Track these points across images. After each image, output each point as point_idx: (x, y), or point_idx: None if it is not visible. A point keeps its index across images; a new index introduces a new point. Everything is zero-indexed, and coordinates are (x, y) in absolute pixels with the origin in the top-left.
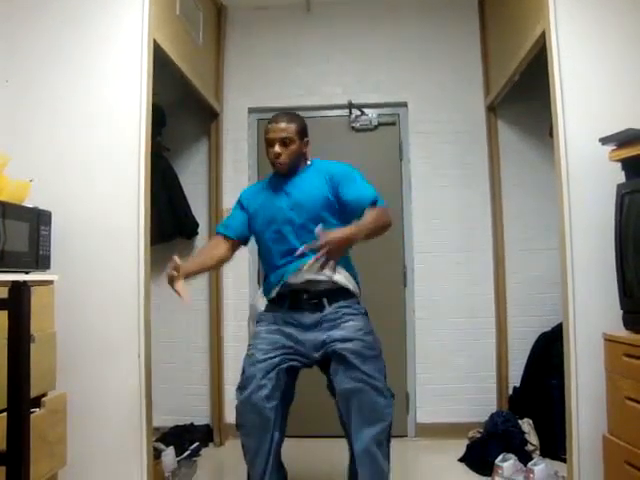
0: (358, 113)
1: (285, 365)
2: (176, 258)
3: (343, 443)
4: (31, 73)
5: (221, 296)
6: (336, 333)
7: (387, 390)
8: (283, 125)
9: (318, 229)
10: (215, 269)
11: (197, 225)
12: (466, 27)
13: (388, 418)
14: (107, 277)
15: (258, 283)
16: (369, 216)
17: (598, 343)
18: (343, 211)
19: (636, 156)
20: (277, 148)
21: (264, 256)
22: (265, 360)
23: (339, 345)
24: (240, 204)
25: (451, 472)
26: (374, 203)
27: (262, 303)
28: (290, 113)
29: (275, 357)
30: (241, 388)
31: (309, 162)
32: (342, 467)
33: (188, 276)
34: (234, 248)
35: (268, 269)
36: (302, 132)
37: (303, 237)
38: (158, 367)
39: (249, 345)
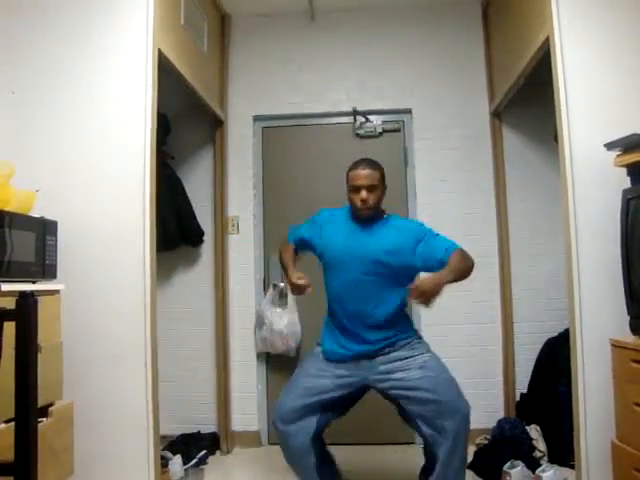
0: (363, 120)
1: None
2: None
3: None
4: (36, 83)
5: (227, 303)
6: None
7: None
8: (369, 172)
9: (411, 285)
10: None
11: (202, 233)
12: (470, 33)
13: None
14: (113, 286)
15: (264, 290)
16: (454, 259)
17: (605, 349)
18: (424, 265)
19: None
20: (364, 194)
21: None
22: None
23: None
24: (315, 225)
25: None
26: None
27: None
28: (371, 160)
29: None
30: None
31: (386, 215)
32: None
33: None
34: None
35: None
36: (384, 179)
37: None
38: (164, 375)
39: None
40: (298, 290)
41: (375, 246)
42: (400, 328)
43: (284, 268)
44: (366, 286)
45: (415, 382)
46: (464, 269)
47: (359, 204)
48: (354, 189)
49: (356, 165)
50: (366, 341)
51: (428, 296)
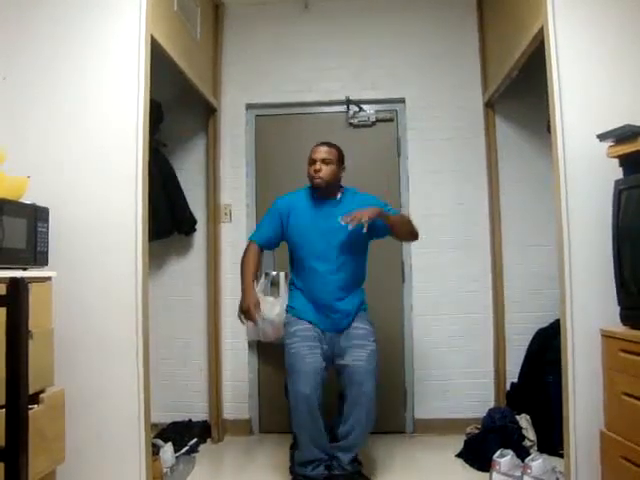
0: (356, 109)
1: None
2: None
3: None
4: (28, 69)
5: (219, 292)
6: None
7: None
8: (325, 148)
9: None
10: None
11: (195, 221)
12: (464, 23)
13: None
14: (105, 273)
15: (256, 279)
16: (402, 215)
17: (595, 339)
18: (372, 234)
19: (634, 152)
20: (318, 165)
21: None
22: None
23: None
24: (275, 213)
25: (449, 468)
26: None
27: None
28: (331, 142)
29: None
30: None
31: (342, 191)
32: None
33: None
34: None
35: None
36: (341, 159)
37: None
38: (156, 363)
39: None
40: (247, 316)
41: (338, 224)
42: (360, 300)
43: (242, 283)
44: (334, 258)
45: (358, 365)
46: (406, 223)
47: (312, 173)
48: (310, 162)
49: (316, 144)
50: (337, 311)
51: (358, 218)
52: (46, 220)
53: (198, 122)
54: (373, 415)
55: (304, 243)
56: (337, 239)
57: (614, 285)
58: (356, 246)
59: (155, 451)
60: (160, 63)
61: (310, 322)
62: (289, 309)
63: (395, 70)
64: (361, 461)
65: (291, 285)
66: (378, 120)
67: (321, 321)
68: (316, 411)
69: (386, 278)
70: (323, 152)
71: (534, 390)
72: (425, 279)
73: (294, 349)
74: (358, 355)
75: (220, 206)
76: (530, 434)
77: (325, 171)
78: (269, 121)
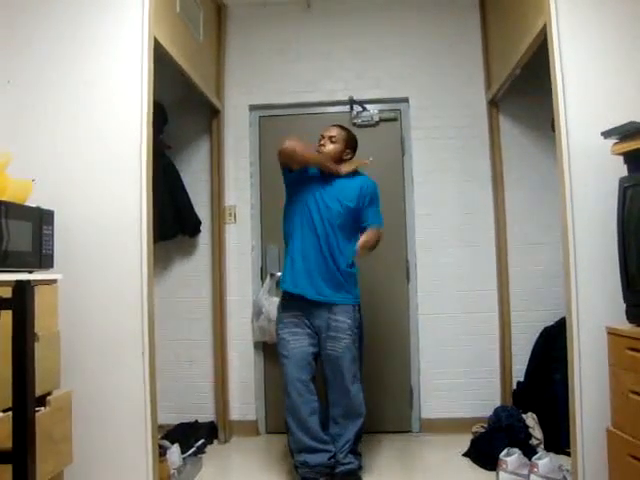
0: (359, 109)
1: None
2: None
3: None
4: (32, 73)
5: (224, 293)
6: None
7: None
8: (335, 128)
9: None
10: None
11: (199, 223)
12: (467, 21)
13: None
14: (110, 275)
15: (261, 279)
16: (371, 234)
17: (601, 337)
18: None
19: (638, 149)
20: (323, 141)
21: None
22: None
23: None
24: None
25: (455, 467)
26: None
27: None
28: (345, 126)
29: None
30: None
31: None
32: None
33: None
34: None
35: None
36: (348, 141)
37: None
38: (162, 365)
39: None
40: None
41: (335, 198)
42: (351, 284)
43: (313, 162)
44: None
45: (334, 355)
46: (372, 246)
47: (317, 147)
48: (319, 138)
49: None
50: (324, 292)
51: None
52: (51, 223)
53: (202, 124)
54: (348, 400)
55: (304, 199)
56: (331, 212)
57: (620, 282)
58: (346, 223)
59: (162, 452)
60: (163, 65)
61: (299, 297)
62: (280, 282)
63: (398, 69)
64: (360, 453)
65: (286, 256)
66: (382, 120)
67: (309, 288)
68: (305, 394)
69: (391, 278)
70: (332, 131)
71: (540, 389)
72: (430, 278)
73: (280, 334)
74: (333, 346)
75: (225, 207)
76: (537, 433)
77: (328, 147)
78: (273, 122)
